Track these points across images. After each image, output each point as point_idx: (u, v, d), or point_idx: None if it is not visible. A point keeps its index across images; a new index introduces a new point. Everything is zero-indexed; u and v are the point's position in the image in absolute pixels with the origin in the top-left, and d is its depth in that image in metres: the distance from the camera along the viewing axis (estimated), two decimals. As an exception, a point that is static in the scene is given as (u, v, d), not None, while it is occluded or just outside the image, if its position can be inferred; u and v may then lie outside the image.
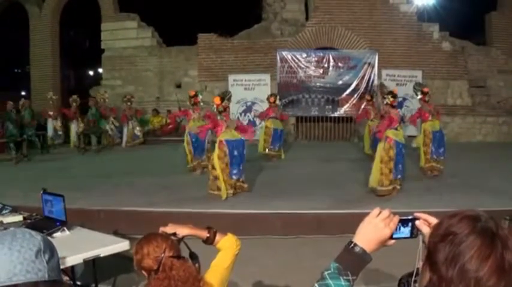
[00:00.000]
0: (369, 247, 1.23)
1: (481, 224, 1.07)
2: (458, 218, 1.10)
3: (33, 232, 1.05)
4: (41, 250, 1.02)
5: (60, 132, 14.10)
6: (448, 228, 1.10)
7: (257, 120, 13.96)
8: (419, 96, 8.67)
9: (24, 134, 11.97)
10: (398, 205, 6.09)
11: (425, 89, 8.71)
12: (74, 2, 16.94)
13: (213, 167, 7.18)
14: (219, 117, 7.35)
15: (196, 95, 9.26)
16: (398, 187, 7.23)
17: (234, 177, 7.29)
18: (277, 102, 11.13)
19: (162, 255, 1.97)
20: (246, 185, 7.45)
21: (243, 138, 7.43)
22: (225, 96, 7.43)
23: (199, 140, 8.87)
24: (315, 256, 4.97)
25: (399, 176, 7.28)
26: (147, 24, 15.66)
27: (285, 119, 11.68)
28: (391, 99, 7.33)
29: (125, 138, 13.61)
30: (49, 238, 3.37)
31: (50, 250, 1.05)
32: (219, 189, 7.09)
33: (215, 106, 7.37)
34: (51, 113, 13.98)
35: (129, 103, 13.60)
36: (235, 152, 7.19)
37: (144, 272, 2.03)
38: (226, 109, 7.40)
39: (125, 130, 13.63)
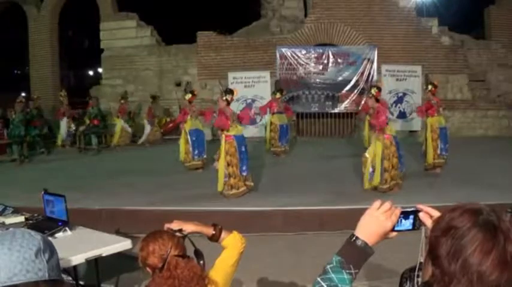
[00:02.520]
0: (370, 240, 1.23)
1: (482, 217, 1.07)
2: (459, 212, 1.10)
3: (32, 232, 1.05)
4: (41, 250, 1.01)
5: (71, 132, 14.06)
6: (449, 222, 1.09)
7: (257, 118, 13.99)
8: (429, 88, 8.56)
9: (29, 135, 11.93)
10: (400, 200, 6.08)
11: (436, 82, 8.76)
12: (72, 2, 16.92)
13: (229, 164, 7.07)
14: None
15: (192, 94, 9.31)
16: (400, 182, 7.23)
17: (244, 173, 7.20)
18: (278, 95, 11.15)
19: (168, 253, 1.97)
20: (252, 184, 7.38)
21: (243, 133, 7.42)
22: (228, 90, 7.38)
23: (199, 138, 8.87)
24: (316, 252, 4.98)
25: (404, 169, 7.32)
26: (146, 23, 15.63)
27: (290, 115, 11.68)
28: (376, 91, 7.35)
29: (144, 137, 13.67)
30: (51, 238, 3.38)
31: (50, 249, 1.05)
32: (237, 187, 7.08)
33: (222, 100, 7.26)
34: (64, 112, 13.94)
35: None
36: (243, 148, 7.18)
37: (148, 269, 2.03)
38: (229, 103, 7.36)
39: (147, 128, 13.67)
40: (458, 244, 1.05)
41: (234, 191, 7.00)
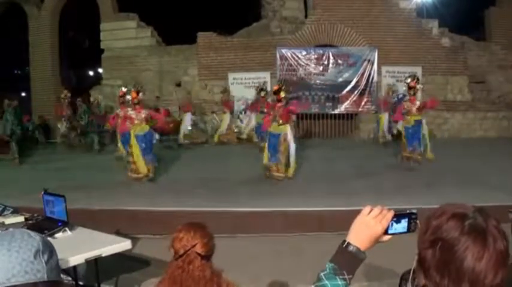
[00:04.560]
0: (362, 245, 1.23)
1: (469, 222, 1.06)
2: (445, 218, 1.09)
3: (32, 233, 1.05)
4: (40, 251, 1.01)
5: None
6: (436, 231, 1.08)
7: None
8: (404, 88, 8.79)
9: (24, 131, 11.78)
10: (399, 201, 6.08)
11: (411, 83, 8.72)
12: (72, 3, 16.92)
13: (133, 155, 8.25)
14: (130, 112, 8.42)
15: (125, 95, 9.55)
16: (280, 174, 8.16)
17: (149, 164, 8.31)
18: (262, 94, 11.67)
19: (190, 248, 2.07)
20: (151, 175, 8.32)
21: (151, 131, 8.48)
22: (140, 89, 8.56)
23: (148, 141, 8.66)
24: (316, 253, 4.97)
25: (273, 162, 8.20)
26: (147, 24, 15.65)
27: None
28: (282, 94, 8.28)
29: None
30: (51, 238, 3.38)
31: (49, 250, 1.04)
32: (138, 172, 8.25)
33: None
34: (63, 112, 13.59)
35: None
36: (143, 145, 8.24)
37: (172, 251, 2.14)
38: (140, 102, 8.43)
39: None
40: (448, 255, 1.05)
41: (134, 174, 8.27)
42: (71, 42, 22.01)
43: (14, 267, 0.97)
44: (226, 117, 13.54)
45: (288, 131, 8.24)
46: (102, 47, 15.72)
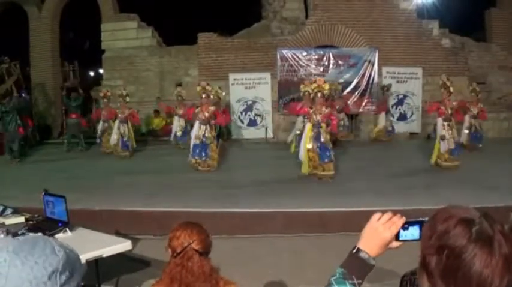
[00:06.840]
0: (372, 251, 1.26)
1: (476, 229, 1.04)
2: (452, 224, 1.07)
3: (56, 247, 0.93)
4: (58, 271, 0.90)
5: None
6: (442, 237, 1.07)
7: (258, 119, 14.04)
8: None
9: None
10: (398, 202, 6.06)
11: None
12: (73, 3, 16.92)
13: None
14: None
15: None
16: (321, 173, 8.30)
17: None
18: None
19: (189, 244, 2.10)
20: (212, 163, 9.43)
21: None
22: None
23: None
24: (317, 253, 4.98)
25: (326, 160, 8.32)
26: (147, 24, 15.65)
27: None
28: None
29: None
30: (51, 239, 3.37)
31: (70, 270, 0.94)
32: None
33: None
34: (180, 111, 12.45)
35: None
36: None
37: (169, 250, 2.17)
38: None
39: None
40: (455, 263, 1.04)
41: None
42: (72, 42, 21.98)
43: (23, 283, 0.86)
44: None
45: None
46: (102, 47, 15.70)
